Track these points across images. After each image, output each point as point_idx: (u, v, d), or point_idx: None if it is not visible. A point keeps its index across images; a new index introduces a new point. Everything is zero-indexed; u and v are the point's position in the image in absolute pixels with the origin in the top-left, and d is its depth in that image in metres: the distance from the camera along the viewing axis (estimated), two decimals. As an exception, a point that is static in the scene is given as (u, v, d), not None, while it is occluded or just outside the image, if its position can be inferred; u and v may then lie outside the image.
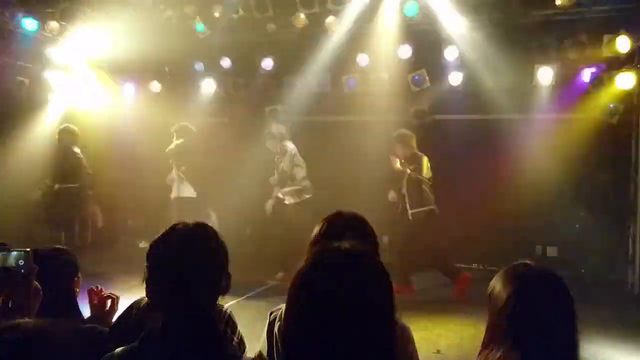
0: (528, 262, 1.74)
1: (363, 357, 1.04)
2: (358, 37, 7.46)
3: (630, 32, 6.41)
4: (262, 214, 7.48)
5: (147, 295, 1.54)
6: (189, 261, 1.50)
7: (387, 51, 7.33)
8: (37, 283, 1.76)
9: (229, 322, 2.14)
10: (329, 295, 1.06)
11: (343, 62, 7.64)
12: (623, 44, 6.39)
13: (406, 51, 7.24)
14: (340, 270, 1.09)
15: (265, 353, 2.04)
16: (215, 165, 7.71)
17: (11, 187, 7.42)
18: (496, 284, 1.71)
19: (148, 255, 1.54)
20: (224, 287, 1.56)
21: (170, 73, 8.56)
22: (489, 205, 7.47)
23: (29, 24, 7.48)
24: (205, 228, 1.60)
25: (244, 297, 6.21)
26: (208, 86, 8.38)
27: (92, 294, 2.54)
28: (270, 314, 2.08)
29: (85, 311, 2.53)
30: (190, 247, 1.53)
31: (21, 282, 1.72)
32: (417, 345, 2.01)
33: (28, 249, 1.77)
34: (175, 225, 1.60)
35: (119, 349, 1.50)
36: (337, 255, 1.14)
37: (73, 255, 2.58)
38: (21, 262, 1.73)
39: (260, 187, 7.55)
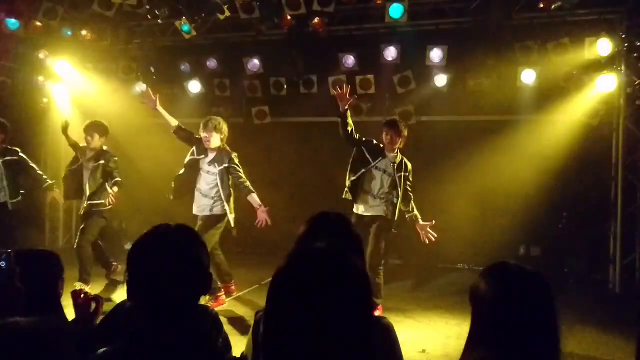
0: (510, 261, 1.76)
1: (339, 355, 1.05)
2: (344, 39, 7.48)
3: (611, 35, 6.54)
4: (249, 215, 7.43)
5: (127, 297, 1.53)
6: (169, 262, 1.49)
7: (373, 53, 7.36)
8: (19, 284, 1.75)
9: (215, 323, 2.13)
10: (300, 293, 1.08)
11: (329, 63, 7.65)
12: (604, 47, 6.51)
13: (392, 53, 7.27)
14: (311, 269, 1.10)
15: (250, 354, 2.04)
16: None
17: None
18: (479, 284, 1.72)
19: (129, 256, 1.53)
20: (205, 288, 1.56)
21: (156, 73, 8.49)
22: (473, 206, 7.56)
23: (11, 23, 7.40)
24: (185, 230, 1.59)
25: (232, 297, 6.19)
26: (194, 87, 8.35)
27: (76, 296, 2.52)
28: (257, 314, 2.08)
29: (69, 313, 2.51)
30: (170, 248, 1.52)
31: (3, 283, 1.71)
32: (401, 344, 2.02)
33: (9, 250, 1.76)
34: (157, 226, 1.59)
35: (101, 350, 1.49)
36: (310, 255, 1.16)
37: (58, 257, 2.55)
38: (2, 264, 1.72)
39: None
